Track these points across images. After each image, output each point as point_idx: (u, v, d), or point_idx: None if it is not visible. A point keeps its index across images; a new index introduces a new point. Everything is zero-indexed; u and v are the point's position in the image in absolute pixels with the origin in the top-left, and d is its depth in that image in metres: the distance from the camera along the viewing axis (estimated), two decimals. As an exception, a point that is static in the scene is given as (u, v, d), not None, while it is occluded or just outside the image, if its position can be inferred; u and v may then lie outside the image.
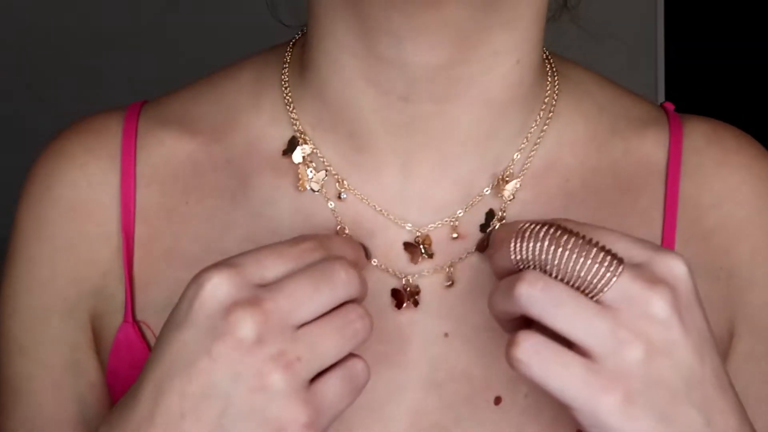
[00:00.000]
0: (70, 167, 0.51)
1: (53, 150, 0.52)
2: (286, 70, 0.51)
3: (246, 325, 0.39)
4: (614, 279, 0.39)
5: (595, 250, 0.39)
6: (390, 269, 0.48)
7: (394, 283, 0.48)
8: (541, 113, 0.50)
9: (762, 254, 0.51)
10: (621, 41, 1.79)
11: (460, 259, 0.48)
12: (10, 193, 0.59)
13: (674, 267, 0.40)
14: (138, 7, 1.87)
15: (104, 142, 0.51)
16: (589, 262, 0.39)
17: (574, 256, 0.39)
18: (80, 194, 0.51)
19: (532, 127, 0.49)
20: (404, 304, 0.48)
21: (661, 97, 1.86)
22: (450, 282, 0.48)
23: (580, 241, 0.40)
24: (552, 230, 0.40)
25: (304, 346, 0.40)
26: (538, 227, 0.40)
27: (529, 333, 0.40)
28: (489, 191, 0.49)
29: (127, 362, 0.49)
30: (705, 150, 0.52)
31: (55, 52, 1.91)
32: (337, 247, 0.44)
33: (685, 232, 0.50)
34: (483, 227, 0.49)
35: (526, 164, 0.49)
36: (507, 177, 0.49)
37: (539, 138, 0.50)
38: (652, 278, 0.39)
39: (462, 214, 0.49)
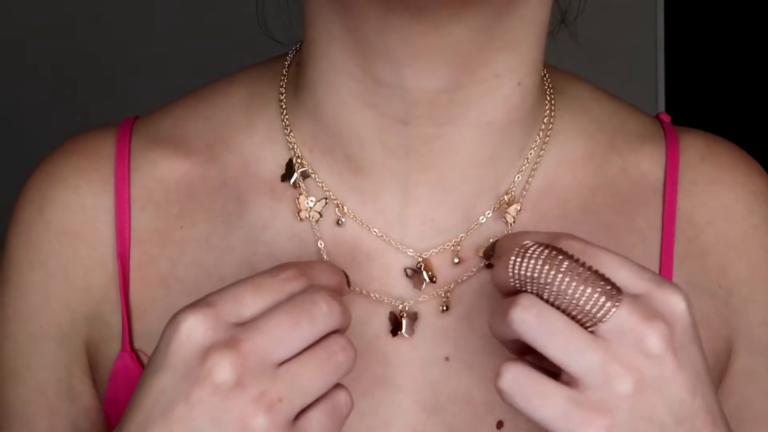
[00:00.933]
0: (62, 190, 0.50)
1: (45, 172, 0.51)
2: (282, 88, 0.50)
3: (224, 369, 0.38)
4: (612, 311, 0.38)
5: (595, 278, 0.39)
6: (388, 294, 0.48)
7: (392, 308, 0.48)
8: (540, 133, 0.49)
9: (759, 271, 0.51)
10: (620, 52, 1.80)
11: (458, 282, 0.48)
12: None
13: (673, 302, 0.39)
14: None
15: (96, 164, 0.50)
16: (588, 291, 0.38)
17: (574, 283, 0.38)
18: (73, 218, 0.50)
19: (532, 148, 0.49)
20: (399, 332, 0.47)
21: (661, 103, 1.86)
22: (445, 307, 0.48)
23: (581, 268, 0.39)
24: (553, 254, 0.39)
25: (285, 385, 0.39)
26: (539, 249, 0.39)
27: (513, 363, 0.39)
28: (491, 214, 0.48)
29: (125, 391, 0.49)
30: (699, 167, 0.51)
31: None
32: (319, 274, 0.43)
33: (681, 250, 0.50)
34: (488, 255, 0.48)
35: (526, 186, 0.49)
36: (509, 199, 0.48)
37: (539, 158, 0.49)
38: (649, 312, 0.39)
39: (463, 237, 0.48)
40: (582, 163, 0.50)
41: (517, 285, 0.40)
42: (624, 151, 0.51)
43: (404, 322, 0.47)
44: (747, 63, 1.88)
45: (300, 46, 0.50)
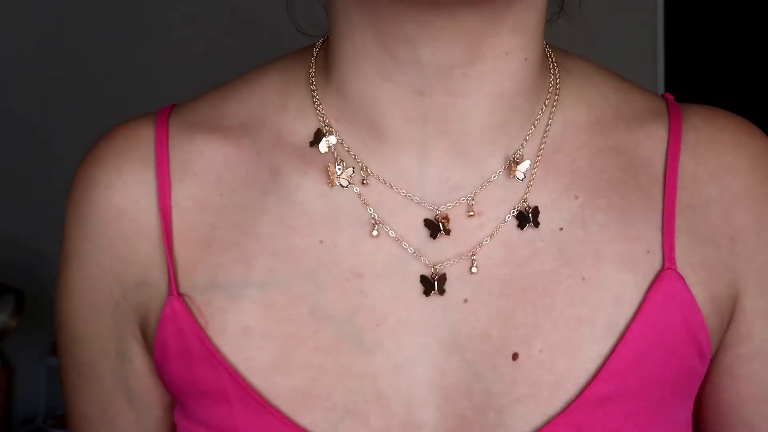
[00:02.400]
0: (105, 171, 0.55)
1: (91, 157, 0.56)
2: (312, 71, 0.55)
3: None
4: None
5: None
6: (410, 244, 0.52)
7: (413, 258, 0.52)
8: (546, 102, 0.54)
9: (766, 220, 0.55)
10: (620, 45, 1.84)
11: (481, 245, 0.52)
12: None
13: None
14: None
15: (137, 146, 0.55)
16: None
17: None
18: (116, 195, 0.54)
19: (539, 115, 0.54)
20: (432, 292, 0.52)
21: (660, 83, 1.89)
22: (475, 269, 0.52)
23: None
24: None
25: None
26: None
27: None
28: (502, 172, 0.53)
29: (173, 332, 0.53)
30: (702, 129, 0.55)
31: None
32: None
33: (684, 202, 0.54)
34: (519, 221, 0.52)
35: (541, 148, 0.53)
36: (517, 159, 0.53)
37: (548, 125, 0.54)
38: None
39: (477, 193, 0.52)
40: (587, 128, 0.54)
41: None
42: (629, 118, 0.55)
43: (436, 283, 0.51)
44: (747, 52, 1.90)
45: (326, 36, 0.56)
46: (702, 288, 0.53)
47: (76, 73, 1.99)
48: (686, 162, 0.54)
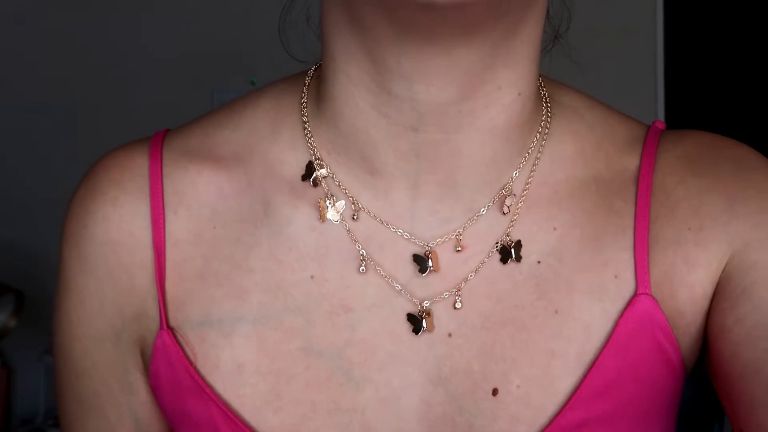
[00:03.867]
0: (101, 203, 0.55)
1: (86, 188, 0.56)
2: (304, 101, 0.54)
3: None
4: None
5: None
6: (397, 279, 0.52)
7: (400, 294, 0.52)
8: (537, 135, 0.54)
9: (735, 193, 0.52)
10: (620, 64, 1.83)
11: (466, 280, 0.52)
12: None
13: None
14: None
15: (132, 175, 0.55)
16: None
17: None
18: (112, 228, 0.54)
19: (530, 149, 0.54)
20: (421, 330, 0.52)
21: (661, 113, 1.88)
22: (460, 305, 0.52)
23: None
24: None
25: None
26: None
27: None
28: (490, 206, 0.53)
29: (164, 364, 0.53)
30: (671, 150, 0.55)
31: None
32: None
33: (655, 214, 0.53)
34: (502, 255, 0.52)
35: (528, 181, 0.53)
36: (506, 192, 0.53)
37: (538, 156, 0.54)
38: None
39: (465, 229, 0.53)
40: (572, 161, 0.55)
41: None
42: (610, 150, 0.55)
43: (424, 321, 0.52)
44: (746, 72, 1.89)
45: (319, 64, 0.55)
46: (672, 302, 0.52)
47: (75, 75, 1.98)
48: (657, 180, 0.54)
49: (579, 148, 0.55)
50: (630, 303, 0.52)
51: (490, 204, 0.53)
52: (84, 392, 0.57)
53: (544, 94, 0.56)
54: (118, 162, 0.56)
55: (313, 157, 0.53)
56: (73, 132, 1.97)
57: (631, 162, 0.55)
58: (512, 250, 0.53)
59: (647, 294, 0.52)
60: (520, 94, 0.51)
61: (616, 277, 0.53)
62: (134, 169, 0.55)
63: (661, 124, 0.58)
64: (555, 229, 0.54)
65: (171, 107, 1.70)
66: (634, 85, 1.90)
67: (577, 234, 0.53)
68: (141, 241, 0.54)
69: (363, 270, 0.52)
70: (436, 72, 0.47)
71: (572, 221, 0.54)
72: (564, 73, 0.59)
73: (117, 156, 0.56)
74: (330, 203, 0.53)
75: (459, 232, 0.53)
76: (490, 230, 0.53)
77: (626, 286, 0.52)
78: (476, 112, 0.49)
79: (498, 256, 0.53)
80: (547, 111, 0.55)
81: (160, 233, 0.54)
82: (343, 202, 0.53)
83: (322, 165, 0.53)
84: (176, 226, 0.54)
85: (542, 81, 0.57)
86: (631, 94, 1.80)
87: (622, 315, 0.52)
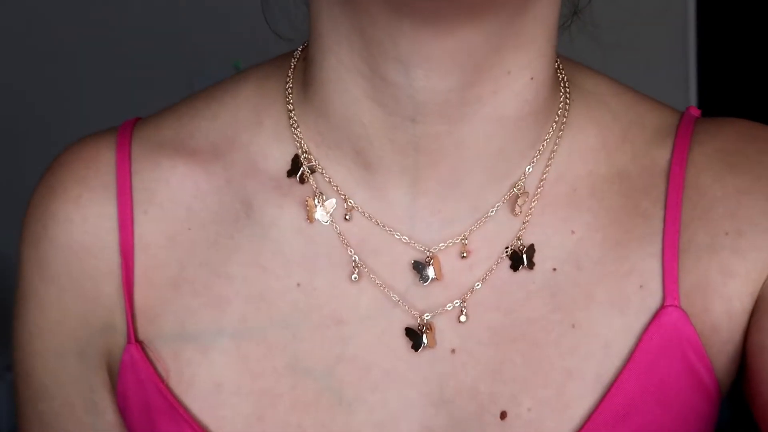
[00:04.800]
0: (63, 203, 0.50)
1: (46, 185, 0.51)
2: (289, 86, 0.50)
3: None
4: None
5: None
6: (395, 288, 0.48)
7: (398, 305, 0.48)
8: (554, 125, 0.49)
9: None
10: (650, 47, 1.76)
11: (472, 290, 0.48)
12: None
13: None
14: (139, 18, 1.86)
15: (97, 171, 0.50)
16: None
17: None
18: (76, 230, 0.50)
19: (545, 140, 0.48)
20: (422, 347, 0.48)
21: (693, 98, 1.82)
22: (465, 318, 0.48)
23: None
24: None
25: None
26: None
27: None
28: (500, 205, 0.48)
29: (133, 383, 0.49)
30: (707, 143, 0.50)
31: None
32: None
33: (688, 216, 0.48)
34: (513, 262, 0.48)
35: (543, 178, 0.48)
36: (519, 190, 0.48)
37: (554, 149, 0.49)
38: None
39: (471, 232, 0.48)
40: (593, 154, 0.49)
41: None
42: (637, 141, 0.50)
43: (425, 336, 0.47)
44: None
45: (306, 44, 0.50)
46: (705, 317, 0.47)
47: (45, 77, 1.91)
48: (690, 177, 0.49)
49: (601, 140, 0.50)
50: (656, 316, 0.47)
51: (500, 204, 0.48)
52: (46, 413, 0.53)
53: (563, 78, 0.50)
54: (82, 156, 0.51)
55: (300, 150, 0.48)
56: (34, 119, 1.90)
57: (660, 155, 0.50)
58: (524, 256, 0.48)
59: (676, 306, 0.47)
60: (532, 79, 0.45)
61: (641, 287, 0.48)
62: (100, 163, 0.50)
63: (695, 110, 0.52)
64: (573, 232, 0.48)
65: (143, 95, 1.61)
66: (662, 66, 1.83)
67: (599, 238, 0.48)
68: (107, 245, 0.50)
69: (356, 278, 0.48)
70: (435, 55, 0.42)
71: (593, 223, 0.48)
72: (585, 54, 0.52)
73: (81, 149, 0.51)
74: (319, 202, 0.48)
75: (464, 235, 0.48)
76: (500, 233, 0.48)
77: (652, 297, 0.47)
78: (483, 100, 0.44)
79: (508, 263, 0.48)
80: (566, 97, 0.50)
81: (128, 236, 0.49)
82: (333, 200, 0.48)
83: (310, 159, 0.48)
84: (147, 228, 0.49)
85: (561, 63, 0.51)
86: (660, 77, 1.73)
87: (646, 329, 0.47)
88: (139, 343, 0.49)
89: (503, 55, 0.43)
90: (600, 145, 0.50)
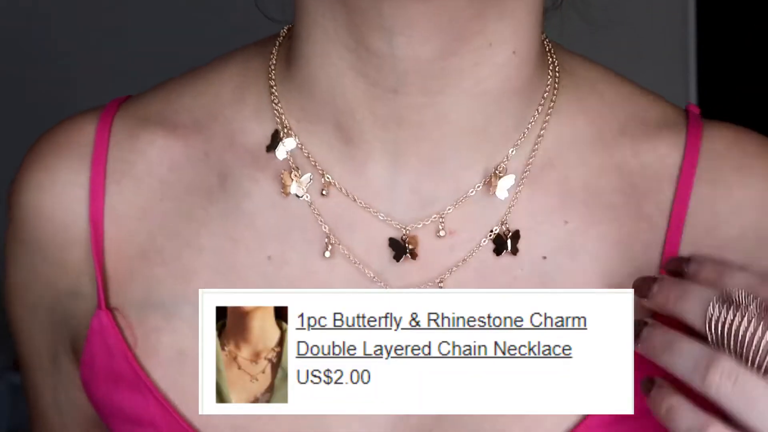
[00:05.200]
0: (36, 171, 0.51)
1: (28, 155, 0.53)
2: (272, 62, 0.50)
3: None
4: None
5: None
6: (369, 267, 0.47)
7: (372, 284, 0.47)
8: (540, 108, 0.48)
9: None
10: (650, 40, 1.75)
11: (451, 271, 0.47)
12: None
13: None
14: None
15: (77, 143, 0.51)
16: None
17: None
18: (45, 197, 0.51)
19: (530, 123, 0.48)
20: None
21: (692, 95, 1.80)
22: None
23: None
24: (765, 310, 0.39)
25: None
26: (751, 302, 0.39)
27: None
28: (480, 187, 0.47)
29: (100, 349, 0.49)
30: (725, 154, 0.48)
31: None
32: None
33: (693, 239, 0.47)
34: (496, 246, 0.47)
35: (529, 162, 0.47)
36: (500, 173, 0.47)
37: (539, 136, 0.48)
38: None
39: (450, 210, 0.47)
40: (587, 143, 0.48)
41: (711, 337, 0.39)
42: (637, 135, 0.49)
43: None
44: None
45: (291, 24, 0.50)
46: None
47: (42, 79, 1.91)
48: (702, 190, 0.48)
49: (595, 130, 0.49)
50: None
51: (480, 185, 0.47)
52: (24, 354, 0.56)
53: (552, 62, 0.49)
54: (66, 129, 0.52)
55: (280, 125, 0.48)
56: (35, 118, 1.89)
57: (666, 154, 0.49)
58: (509, 241, 0.46)
59: None
60: (514, 53, 0.45)
61: None
62: (80, 136, 0.51)
63: (695, 109, 0.51)
64: (566, 222, 0.47)
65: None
66: (659, 51, 1.82)
67: (595, 233, 0.47)
68: (76, 214, 0.50)
69: (328, 255, 0.47)
70: (417, 19, 0.42)
71: (589, 218, 0.47)
72: (579, 48, 0.52)
73: (66, 123, 0.53)
74: (295, 176, 0.47)
75: (443, 214, 0.47)
76: (484, 215, 0.47)
77: None
78: (463, 72, 0.44)
79: (492, 246, 0.47)
80: (554, 80, 0.49)
81: (98, 206, 0.50)
82: (309, 175, 0.47)
83: (290, 134, 0.48)
84: (118, 199, 0.50)
85: (552, 48, 0.50)
86: (658, 73, 1.71)
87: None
88: (110, 309, 0.49)
89: (485, 23, 0.43)
90: (594, 135, 0.49)
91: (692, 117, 0.50)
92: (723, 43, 1.81)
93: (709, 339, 0.40)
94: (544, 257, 0.47)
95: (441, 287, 0.46)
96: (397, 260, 0.46)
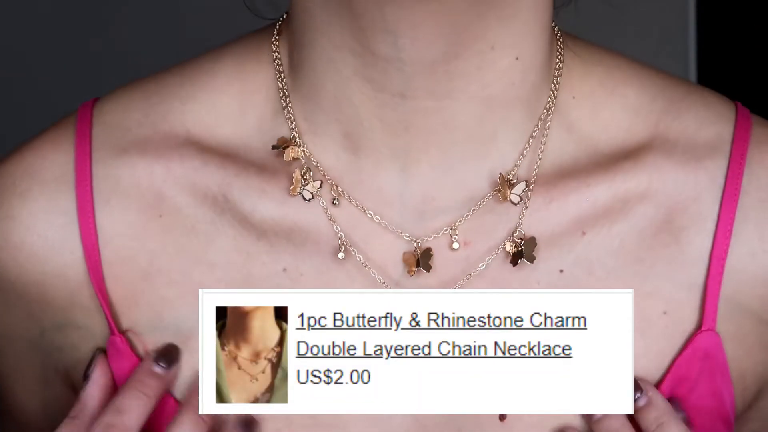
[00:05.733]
0: (7, 198, 0.47)
1: None
2: (279, 66, 0.48)
3: None
4: None
5: None
6: (386, 278, 0.46)
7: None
8: (546, 110, 0.47)
9: None
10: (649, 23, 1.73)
11: (461, 283, 0.46)
12: None
13: None
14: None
15: (53, 162, 0.48)
16: None
17: None
18: (18, 229, 0.47)
19: (535, 131, 0.47)
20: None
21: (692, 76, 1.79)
22: None
23: None
24: None
25: None
26: None
27: None
28: (492, 195, 0.46)
29: (121, 372, 0.47)
30: None
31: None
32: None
33: (739, 267, 0.46)
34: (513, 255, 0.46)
35: (535, 167, 0.47)
36: (511, 179, 0.46)
37: (543, 141, 0.47)
38: None
39: (462, 222, 0.46)
40: (610, 147, 0.47)
41: None
42: (672, 136, 0.48)
43: None
44: None
45: (284, 19, 0.49)
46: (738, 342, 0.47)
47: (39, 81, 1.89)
48: (748, 203, 0.47)
49: (614, 136, 0.48)
50: (689, 341, 0.46)
51: (492, 193, 0.46)
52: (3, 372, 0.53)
53: (559, 55, 0.48)
54: (38, 146, 0.48)
55: (291, 134, 0.47)
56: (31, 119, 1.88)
57: (708, 161, 0.47)
58: (523, 249, 0.46)
59: (711, 330, 0.46)
60: (518, 59, 0.44)
61: (664, 313, 0.46)
62: (57, 155, 0.48)
63: (744, 110, 0.49)
64: (584, 233, 0.46)
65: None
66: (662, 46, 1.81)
67: (614, 246, 0.46)
68: (59, 243, 0.47)
69: (342, 256, 0.46)
70: (420, 21, 0.42)
71: (609, 227, 0.46)
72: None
73: (38, 140, 0.49)
74: (306, 179, 0.46)
75: (457, 224, 0.46)
76: (498, 224, 0.46)
77: (680, 324, 0.46)
78: (468, 76, 0.44)
79: (507, 256, 0.46)
80: (554, 87, 0.48)
81: (89, 229, 0.47)
82: (319, 182, 0.46)
83: (297, 144, 0.47)
84: (109, 220, 0.47)
85: (568, 45, 0.49)
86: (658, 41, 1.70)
87: (676, 357, 0.46)
88: (123, 334, 0.47)
89: (486, 26, 0.43)
90: (619, 138, 0.48)
91: (741, 115, 0.49)
92: (723, 42, 1.80)
93: None
94: (561, 270, 0.46)
95: None
96: (411, 274, 0.46)
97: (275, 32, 0.49)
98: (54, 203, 0.47)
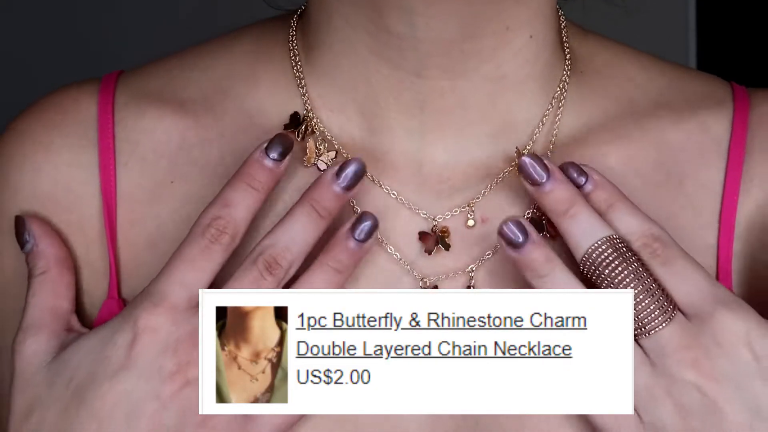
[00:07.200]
0: (31, 151, 0.47)
1: (12, 132, 0.48)
2: (294, 46, 0.49)
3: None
4: (659, 328, 0.41)
5: (653, 288, 0.41)
6: (404, 255, 0.46)
7: (406, 274, 0.46)
8: (560, 93, 0.48)
9: None
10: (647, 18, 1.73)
11: (482, 260, 0.46)
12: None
13: (729, 331, 0.41)
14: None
15: (75, 119, 0.48)
16: (646, 300, 0.41)
17: (635, 290, 0.41)
18: (44, 180, 0.47)
19: (549, 108, 0.48)
20: None
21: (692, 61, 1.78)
22: (471, 286, 0.46)
23: (645, 274, 0.41)
24: (632, 257, 0.42)
25: None
26: (621, 247, 0.42)
27: None
28: (509, 172, 0.47)
29: None
30: None
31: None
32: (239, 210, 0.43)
33: (748, 220, 0.47)
34: None
35: (552, 140, 0.47)
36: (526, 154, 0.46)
37: (558, 116, 0.48)
38: (690, 339, 0.41)
39: (480, 199, 0.47)
40: (616, 120, 0.48)
41: (583, 268, 0.43)
42: (676, 105, 0.49)
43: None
44: None
45: (300, 11, 0.50)
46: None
47: (38, 77, 1.87)
48: (755, 168, 0.47)
49: (625, 108, 0.49)
50: None
51: (508, 170, 0.47)
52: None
53: (564, 39, 0.49)
54: (59, 102, 0.48)
55: (306, 110, 0.47)
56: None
57: (712, 124, 0.48)
58: (544, 224, 0.46)
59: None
60: (531, 38, 0.45)
61: None
62: (79, 112, 0.48)
63: (738, 87, 0.51)
64: None
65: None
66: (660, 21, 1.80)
67: None
68: (82, 198, 0.47)
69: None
70: (436, 2, 0.42)
71: (631, 198, 0.46)
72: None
73: (57, 96, 0.49)
74: (320, 150, 0.47)
75: (474, 202, 0.47)
76: (515, 200, 0.47)
77: None
78: (483, 55, 0.44)
79: None
80: (566, 64, 0.49)
81: (110, 188, 0.47)
82: (333, 153, 0.47)
83: (312, 118, 0.47)
84: (126, 182, 0.47)
85: (573, 30, 0.50)
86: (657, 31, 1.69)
87: None
88: (122, 300, 0.47)
89: (502, 7, 0.43)
90: (624, 111, 0.48)
91: (737, 87, 0.50)
92: (723, 42, 1.80)
93: (581, 268, 0.43)
94: None
95: (472, 277, 0.46)
96: (429, 253, 0.46)
97: (296, 16, 0.50)
98: (77, 157, 0.47)
